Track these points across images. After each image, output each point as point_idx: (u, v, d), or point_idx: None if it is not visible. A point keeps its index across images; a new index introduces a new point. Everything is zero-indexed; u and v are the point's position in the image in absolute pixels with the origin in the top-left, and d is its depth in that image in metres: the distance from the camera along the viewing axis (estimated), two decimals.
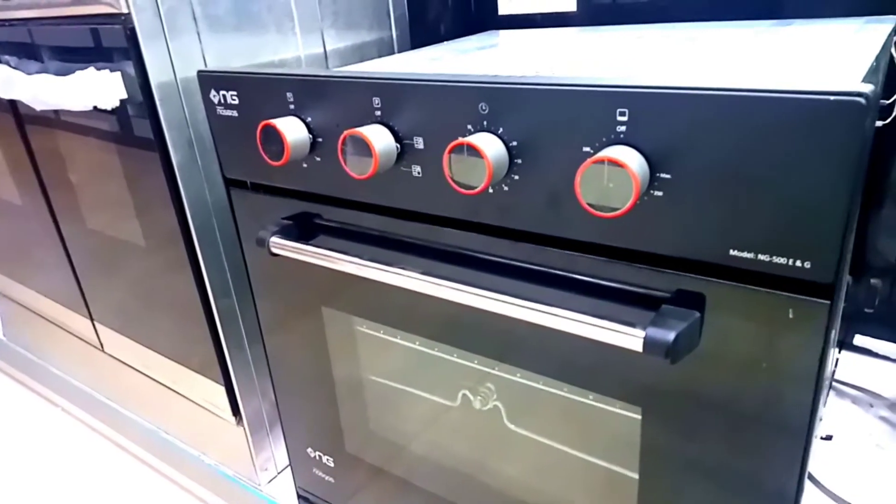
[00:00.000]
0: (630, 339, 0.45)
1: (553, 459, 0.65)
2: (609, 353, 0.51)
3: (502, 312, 0.51)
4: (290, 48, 0.85)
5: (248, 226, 0.72)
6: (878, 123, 0.84)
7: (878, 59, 0.57)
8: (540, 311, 0.49)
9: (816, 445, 0.95)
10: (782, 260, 0.40)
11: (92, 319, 1.11)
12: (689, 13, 0.88)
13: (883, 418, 1.00)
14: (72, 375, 1.31)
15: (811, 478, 0.89)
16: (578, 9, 0.96)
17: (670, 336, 0.43)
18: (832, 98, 0.36)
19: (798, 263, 0.40)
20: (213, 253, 0.83)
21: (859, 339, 1.06)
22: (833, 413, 1.01)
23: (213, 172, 0.80)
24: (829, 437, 0.97)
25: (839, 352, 1.12)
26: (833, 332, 0.45)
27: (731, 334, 0.45)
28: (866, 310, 1.08)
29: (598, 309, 0.48)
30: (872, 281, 1.05)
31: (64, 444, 1.33)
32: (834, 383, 1.07)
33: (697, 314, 0.45)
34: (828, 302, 0.40)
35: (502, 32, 0.98)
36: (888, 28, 0.69)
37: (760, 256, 0.41)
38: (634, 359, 0.50)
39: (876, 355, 1.07)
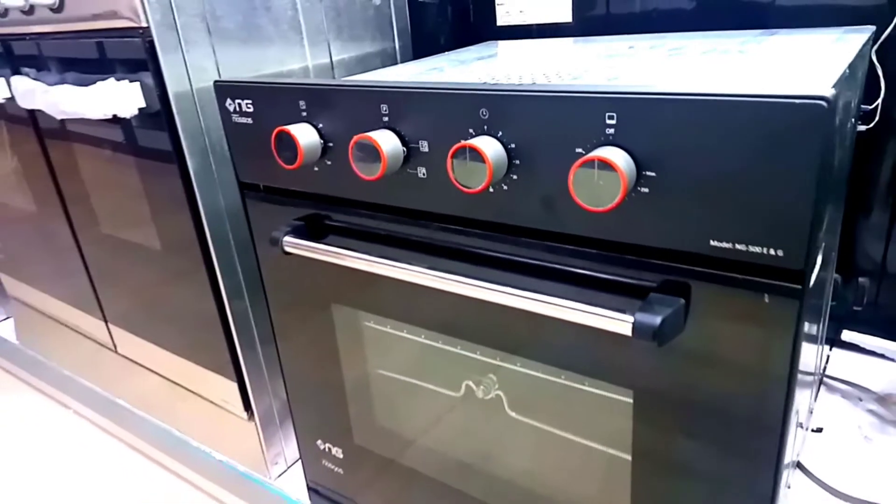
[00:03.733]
0: (620, 324, 0.49)
1: (552, 444, 0.69)
2: (602, 341, 0.55)
3: (502, 303, 0.55)
4: (298, 59, 0.89)
5: (261, 227, 0.76)
6: (861, 128, 0.88)
7: (852, 66, 0.61)
8: (537, 300, 0.53)
9: (807, 438, 0.98)
10: (758, 249, 0.44)
11: (106, 321, 1.15)
12: (678, 23, 0.92)
13: (871, 411, 1.04)
14: (84, 377, 1.34)
15: (802, 468, 0.93)
16: (573, 20, 1.00)
17: (657, 320, 0.47)
18: (797, 101, 0.40)
19: (772, 252, 0.44)
20: (226, 257, 0.87)
21: (848, 335, 1.10)
22: (823, 407, 1.05)
23: (227, 179, 0.84)
24: (819, 430, 1.00)
25: (830, 349, 1.16)
26: (807, 319, 0.49)
27: (714, 320, 0.49)
28: (855, 308, 1.12)
29: (591, 298, 0.51)
30: (860, 280, 1.08)
31: (76, 446, 1.36)
32: (825, 379, 1.11)
33: (682, 301, 0.49)
34: (799, 286, 0.44)
35: (500, 43, 1.02)
36: (864, 38, 0.73)
37: (738, 246, 0.45)
38: (625, 345, 0.54)
39: (864, 351, 1.11)
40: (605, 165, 0.44)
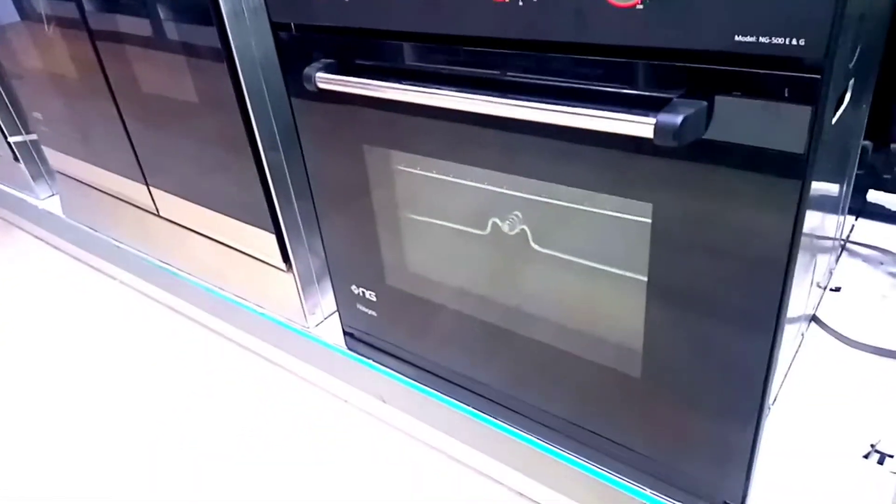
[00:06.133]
0: (642, 126, 0.51)
1: (574, 274, 0.72)
2: (625, 153, 0.57)
3: (528, 118, 0.57)
4: None
5: (293, 70, 0.78)
6: None
7: None
8: (564, 111, 0.55)
9: (825, 296, 1.01)
10: (780, 40, 0.45)
11: (147, 185, 1.20)
12: None
13: (892, 273, 1.05)
14: (129, 245, 1.41)
15: (818, 321, 0.96)
16: None
17: (678, 119, 0.49)
18: None
19: (793, 42, 0.45)
20: (261, 108, 0.89)
21: (873, 195, 1.10)
22: (844, 270, 1.07)
23: (259, 26, 0.85)
24: (837, 289, 1.03)
25: (855, 219, 1.17)
26: (825, 162, 0.50)
27: (734, 122, 0.50)
28: (885, 176, 1.12)
29: (616, 111, 0.53)
30: (893, 146, 1.07)
31: (122, 314, 1.45)
32: (848, 245, 1.12)
33: (704, 103, 0.50)
34: (818, 77, 0.45)
35: None
36: None
37: (762, 39, 0.46)
38: (647, 156, 0.56)
39: (889, 219, 1.12)
40: None
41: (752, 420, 0.63)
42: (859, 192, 1.13)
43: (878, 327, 0.93)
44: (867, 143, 1.04)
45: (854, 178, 0.94)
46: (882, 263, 1.08)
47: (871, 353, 0.90)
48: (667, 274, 0.61)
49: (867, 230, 1.14)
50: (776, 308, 0.56)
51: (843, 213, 0.99)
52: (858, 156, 0.95)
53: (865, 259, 1.10)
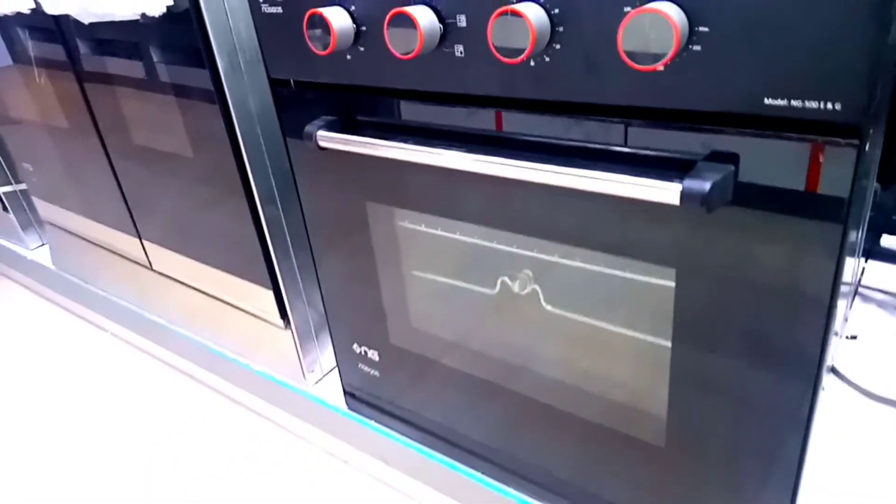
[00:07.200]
0: (668, 192, 0.48)
1: (589, 336, 0.69)
2: (646, 218, 0.54)
3: (545, 182, 0.54)
4: None
5: (293, 126, 0.76)
6: None
7: None
8: (583, 176, 0.52)
9: (841, 344, 0.98)
10: (814, 104, 0.42)
11: (140, 238, 1.16)
12: None
13: None
14: (120, 297, 1.37)
15: (835, 372, 0.93)
16: None
17: (706, 185, 0.46)
18: None
19: (829, 106, 0.42)
20: (258, 161, 0.86)
21: (886, 240, 1.08)
22: (858, 316, 1.04)
23: (256, 80, 0.82)
24: (853, 337, 1.00)
25: (866, 261, 1.14)
26: (865, 185, 0.48)
27: (764, 187, 0.48)
28: (894, 217, 1.10)
29: (637, 174, 0.50)
30: None
31: (113, 367, 1.40)
32: (860, 289, 1.09)
33: (732, 167, 0.48)
34: (856, 142, 0.43)
35: None
36: None
37: (794, 103, 0.43)
38: (671, 219, 0.53)
39: None
40: (658, 16, 0.43)
41: (789, 488, 0.59)
42: (869, 230, 1.11)
43: None
44: (876, 184, 1.02)
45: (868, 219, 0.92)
46: None
47: (893, 406, 0.86)
48: (693, 339, 0.58)
49: (878, 273, 1.12)
50: (815, 366, 0.53)
51: (858, 257, 0.96)
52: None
53: (880, 304, 1.07)
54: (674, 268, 0.56)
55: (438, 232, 0.75)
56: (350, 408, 0.98)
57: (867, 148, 0.44)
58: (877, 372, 0.91)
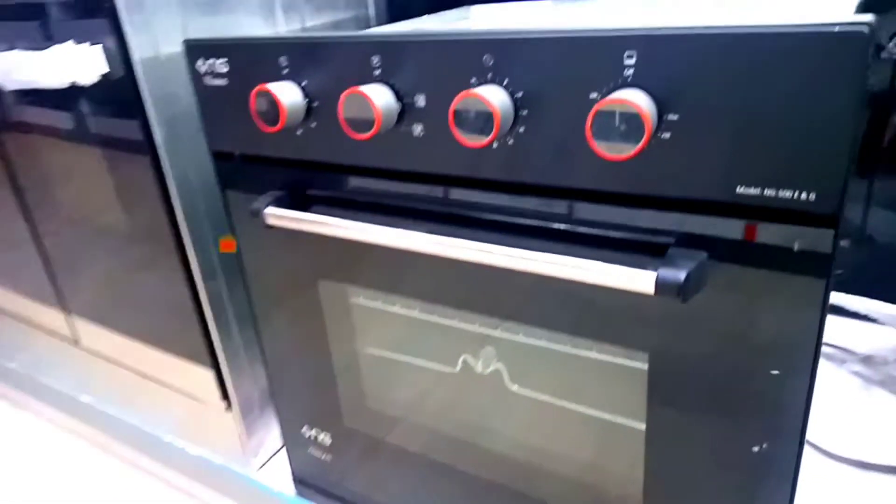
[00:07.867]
0: (642, 281, 0.46)
1: (557, 418, 0.66)
2: (616, 301, 0.52)
3: (508, 266, 0.52)
4: (270, 25, 0.84)
5: (237, 201, 0.71)
6: None
7: None
8: (549, 262, 0.50)
9: None
10: (787, 193, 0.42)
11: (67, 312, 1.07)
12: None
13: (856, 373, 1.04)
14: (44, 375, 1.26)
15: None
16: None
17: (681, 275, 0.44)
18: (836, 30, 0.37)
19: (803, 196, 0.41)
20: (198, 235, 0.81)
21: (832, 297, 1.10)
22: None
23: (196, 150, 0.78)
24: None
25: None
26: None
27: (737, 273, 0.46)
28: (837, 271, 1.12)
29: (606, 258, 0.49)
30: (841, 243, 1.09)
31: (37, 449, 1.28)
32: None
33: (705, 254, 0.46)
34: (832, 231, 0.42)
35: (477, 7, 0.98)
36: None
37: (767, 192, 0.42)
38: (642, 303, 0.51)
39: (845, 313, 1.12)
40: (628, 109, 0.41)
41: None
42: None
43: (852, 434, 0.90)
44: None
45: None
46: (844, 362, 1.07)
47: (855, 466, 0.86)
48: (669, 422, 0.56)
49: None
50: (797, 436, 0.51)
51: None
52: None
53: (828, 358, 1.09)
54: (646, 351, 0.54)
55: (396, 309, 0.72)
56: (299, 494, 0.91)
57: (839, 237, 0.43)
58: (834, 430, 0.91)
